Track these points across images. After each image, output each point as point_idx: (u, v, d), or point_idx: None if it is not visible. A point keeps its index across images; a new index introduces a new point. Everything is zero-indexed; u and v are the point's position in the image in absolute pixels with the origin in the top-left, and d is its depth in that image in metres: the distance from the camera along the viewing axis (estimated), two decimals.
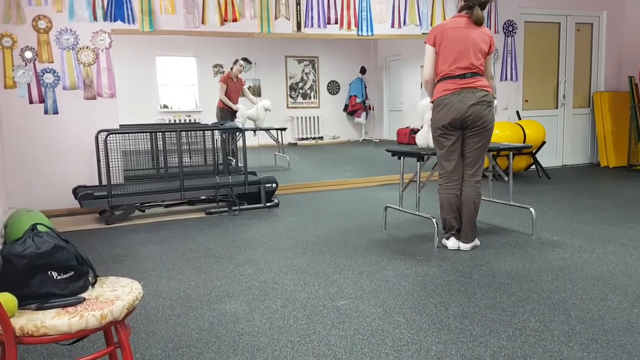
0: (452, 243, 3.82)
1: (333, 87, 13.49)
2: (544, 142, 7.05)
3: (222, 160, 6.14)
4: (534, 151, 7.02)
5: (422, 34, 6.84)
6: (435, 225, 3.90)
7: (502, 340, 2.37)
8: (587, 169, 7.87)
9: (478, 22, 3.65)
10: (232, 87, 8.34)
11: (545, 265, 3.41)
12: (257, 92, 11.79)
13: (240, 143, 5.81)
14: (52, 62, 5.29)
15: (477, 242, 3.84)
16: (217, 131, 6.01)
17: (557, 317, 2.60)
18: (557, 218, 4.72)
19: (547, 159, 7.70)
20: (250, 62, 9.17)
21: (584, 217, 4.72)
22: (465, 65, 3.60)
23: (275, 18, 6.11)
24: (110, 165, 4.96)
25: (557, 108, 7.99)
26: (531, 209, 4.21)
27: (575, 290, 2.97)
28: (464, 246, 3.80)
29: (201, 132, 6.25)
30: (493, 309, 2.72)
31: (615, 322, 2.53)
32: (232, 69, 8.39)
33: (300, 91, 13.11)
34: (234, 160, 6.58)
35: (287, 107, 12.93)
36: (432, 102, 3.77)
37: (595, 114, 8.06)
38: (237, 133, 6.19)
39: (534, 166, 7.21)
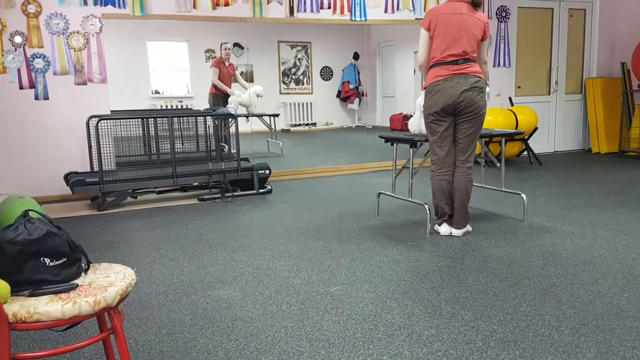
0: (444, 229, 3.84)
1: (326, 73, 13.43)
2: (536, 128, 7.07)
3: (214, 147, 6.12)
4: (526, 137, 7.04)
5: (416, 19, 6.81)
6: (428, 212, 3.92)
7: (493, 325, 2.39)
8: (578, 155, 7.91)
9: (475, 5, 3.64)
10: (224, 72, 8.26)
11: (536, 251, 3.44)
12: (249, 77, 11.71)
13: (232, 129, 5.79)
14: (42, 47, 5.23)
15: (468, 227, 3.87)
16: (209, 117, 5.98)
17: (547, 302, 2.63)
18: (548, 204, 4.76)
19: (539, 145, 7.73)
20: (242, 47, 9.09)
21: (575, 203, 4.76)
22: (458, 51, 3.59)
23: (268, 2, 6.06)
24: (102, 152, 4.93)
25: (549, 94, 8.00)
26: (523, 194, 4.24)
27: (566, 275, 3.00)
28: (456, 232, 3.82)
29: (193, 118, 6.21)
30: (484, 294, 2.75)
31: (605, 307, 2.56)
32: (221, 53, 8.34)
33: (293, 77, 13.05)
34: (227, 147, 6.55)
35: (280, 93, 12.87)
36: (424, 89, 3.77)
37: (588, 100, 8.08)
38: (230, 119, 6.17)
39: (525, 152, 7.23)
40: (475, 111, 3.62)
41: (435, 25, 3.63)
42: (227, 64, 8.30)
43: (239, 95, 8.40)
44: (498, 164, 4.40)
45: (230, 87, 8.34)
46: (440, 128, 3.70)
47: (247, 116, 8.41)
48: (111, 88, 5.65)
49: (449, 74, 3.59)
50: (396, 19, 6.74)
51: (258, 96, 8.50)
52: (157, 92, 11.65)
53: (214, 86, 8.24)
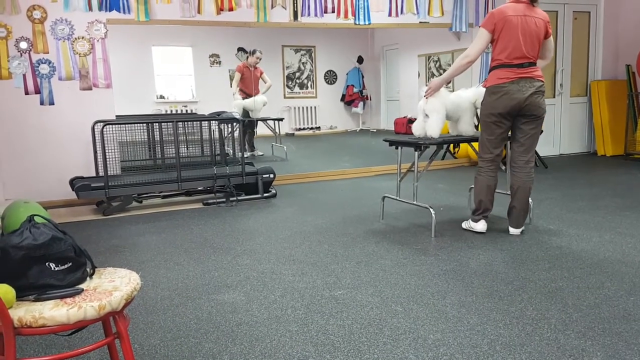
0: (481, 226, 3.89)
1: (330, 77, 13.44)
2: (541, 131, 7.04)
3: (219, 151, 6.13)
4: None
5: (420, 22, 6.81)
6: (433, 215, 3.91)
7: (499, 329, 2.38)
8: (584, 157, 7.89)
9: (533, 0, 3.66)
10: (248, 76, 8.45)
11: (542, 254, 3.43)
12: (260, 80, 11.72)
13: (237, 133, 5.79)
14: (48, 53, 5.26)
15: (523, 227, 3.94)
16: (215, 121, 5.99)
17: (554, 306, 2.62)
18: (553, 207, 4.74)
19: (544, 148, 7.70)
20: (246, 52, 9.13)
21: (581, 206, 4.74)
22: (523, 54, 3.62)
23: (272, 7, 6.07)
24: (107, 156, 4.94)
25: (554, 97, 7.98)
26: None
27: (572, 278, 2.98)
28: (515, 231, 3.88)
29: (198, 122, 6.22)
30: (490, 298, 2.74)
31: (612, 310, 2.54)
32: (247, 58, 8.54)
33: (297, 81, 13.07)
34: (231, 151, 6.57)
35: (284, 97, 12.90)
36: (485, 87, 3.78)
37: (593, 103, 8.05)
38: (235, 123, 6.18)
39: None
40: (539, 113, 3.70)
41: (501, 27, 3.62)
42: (252, 68, 8.50)
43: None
44: (503, 167, 4.38)
45: (256, 89, 8.51)
46: (500, 130, 3.74)
47: (251, 120, 8.44)
48: (116, 93, 5.67)
49: (516, 77, 3.62)
50: (400, 22, 6.75)
51: (263, 104, 8.58)
52: (161, 96, 11.69)
53: (240, 89, 8.44)
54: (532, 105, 3.64)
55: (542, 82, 3.69)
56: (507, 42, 3.62)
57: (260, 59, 8.55)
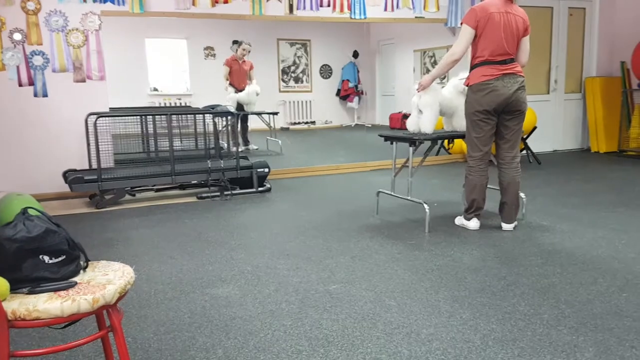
0: (474, 224, 3.92)
1: (325, 71, 13.41)
2: (535, 128, 7.07)
3: (213, 145, 6.11)
4: (524, 136, 7.03)
5: (416, 17, 6.80)
6: (427, 210, 3.92)
7: (491, 324, 2.40)
8: (578, 154, 7.92)
9: None
10: (236, 69, 8.35)
11: (535, 250, 3.44)
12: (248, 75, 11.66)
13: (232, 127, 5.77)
14: (42, 44, 5.21)
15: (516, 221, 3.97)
16: (210, 115, 5.97)
17: (546, 301, 2.63)
18: (547, 203, 4.76)
19: (538, 144, 7.72)
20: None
21: (574, 202, 4.76)
22: (505, 51, 3.64)
23: (267, 0, 6.05)
24: (101, 149, 4.92)
25: (548, 93, 8.00)
26: (521, 194, 4.23)
27: (565, 274, 3.00)
28: (509, 226, 3.91)
29: (192, 115, 6.20)
30: (483, 293, 2.75)
31: (604, 306, 2.56)
32: (236, 51, 8.41)
33: (293, 75, 13.04)
34: (226, 145, 6.55)
35: (279, 91, 12.86)
36: (467, 85, 3.78)
37: (587, 100, 8.07)
38: (229, 117, 6.16)
39: (524, 151, 7.23)
40: (523, 108, 3.73)
41: (484, 25, 3.62)
42: (240, 61, 8.39)
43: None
44: (496, 163, 4.39)
45: (244, 83, 8.41)
46: (488, 126, 3.75)
47: (246, 114, 8.42)
48: (110, 85, 5.63)
49: (499, 74, 3.64)
50: (396, 17, 6.74)
51: (257, 94, 8.51)
52: (155, 89, 11.63)
53: (229, 84, 8.35)
54: (517, 101, 3.68)
55: (523, 77, 3.73)
56: (489, 40, 3.63)
57: (248, 51, 8.40)
